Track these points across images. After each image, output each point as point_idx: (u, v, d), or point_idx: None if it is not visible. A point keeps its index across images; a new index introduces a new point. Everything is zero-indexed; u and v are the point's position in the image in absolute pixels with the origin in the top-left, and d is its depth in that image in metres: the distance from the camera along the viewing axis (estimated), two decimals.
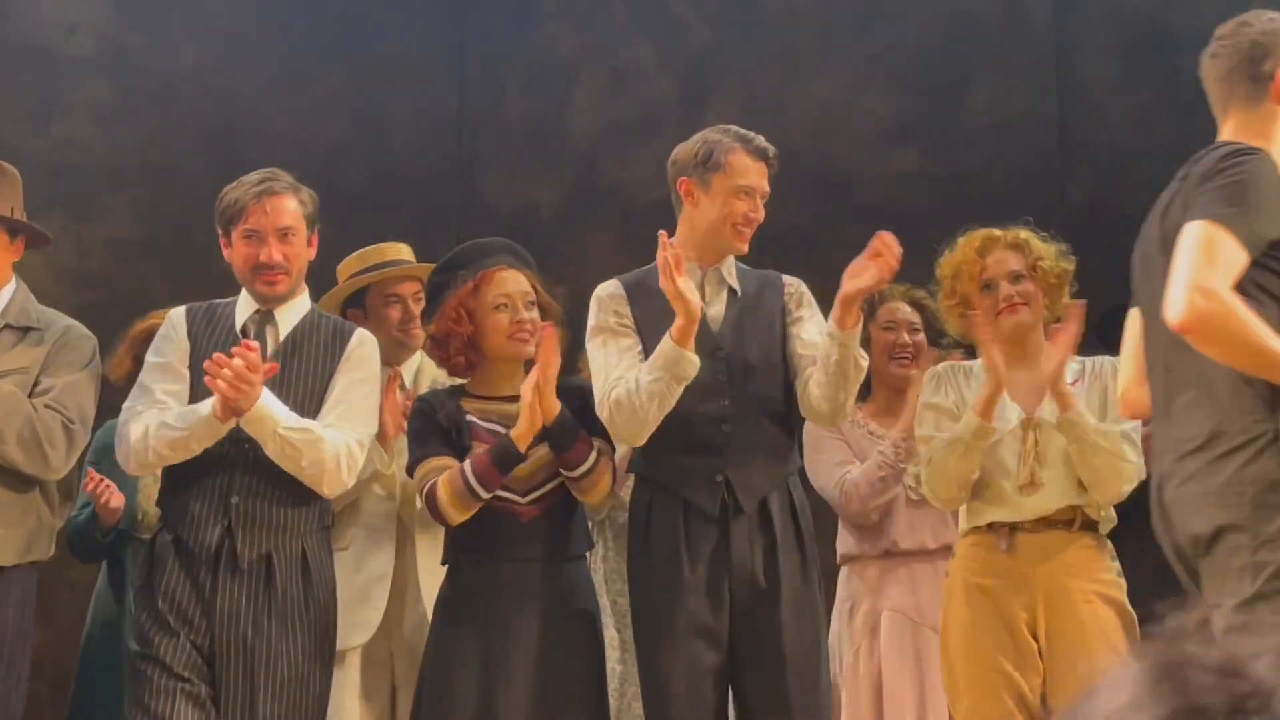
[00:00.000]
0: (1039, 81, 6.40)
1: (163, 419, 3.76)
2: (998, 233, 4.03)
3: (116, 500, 4.46)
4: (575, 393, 3.84)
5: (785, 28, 6.50)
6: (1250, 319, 2.77)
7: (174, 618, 3.72)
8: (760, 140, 3.91)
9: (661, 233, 3.76)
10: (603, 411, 3.77)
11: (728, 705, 3.83)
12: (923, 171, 6.34)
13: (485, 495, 3.71)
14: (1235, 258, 2.82)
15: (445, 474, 3.73)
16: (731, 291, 3.94)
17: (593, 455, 3.77)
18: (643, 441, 3.80)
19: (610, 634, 4.32)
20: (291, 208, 3.90)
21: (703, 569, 3.76)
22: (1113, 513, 3.97)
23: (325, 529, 3.93)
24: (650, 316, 3.87)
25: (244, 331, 3.89)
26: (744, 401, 3.82)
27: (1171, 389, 3.02)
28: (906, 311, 4.61)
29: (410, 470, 3.88)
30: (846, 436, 4.55)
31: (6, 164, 4.17)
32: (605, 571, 4.63)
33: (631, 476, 4.04)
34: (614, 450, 3.90)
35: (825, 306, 4.11)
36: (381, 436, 4.17)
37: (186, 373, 3.84)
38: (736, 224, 3.87)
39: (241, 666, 3.70)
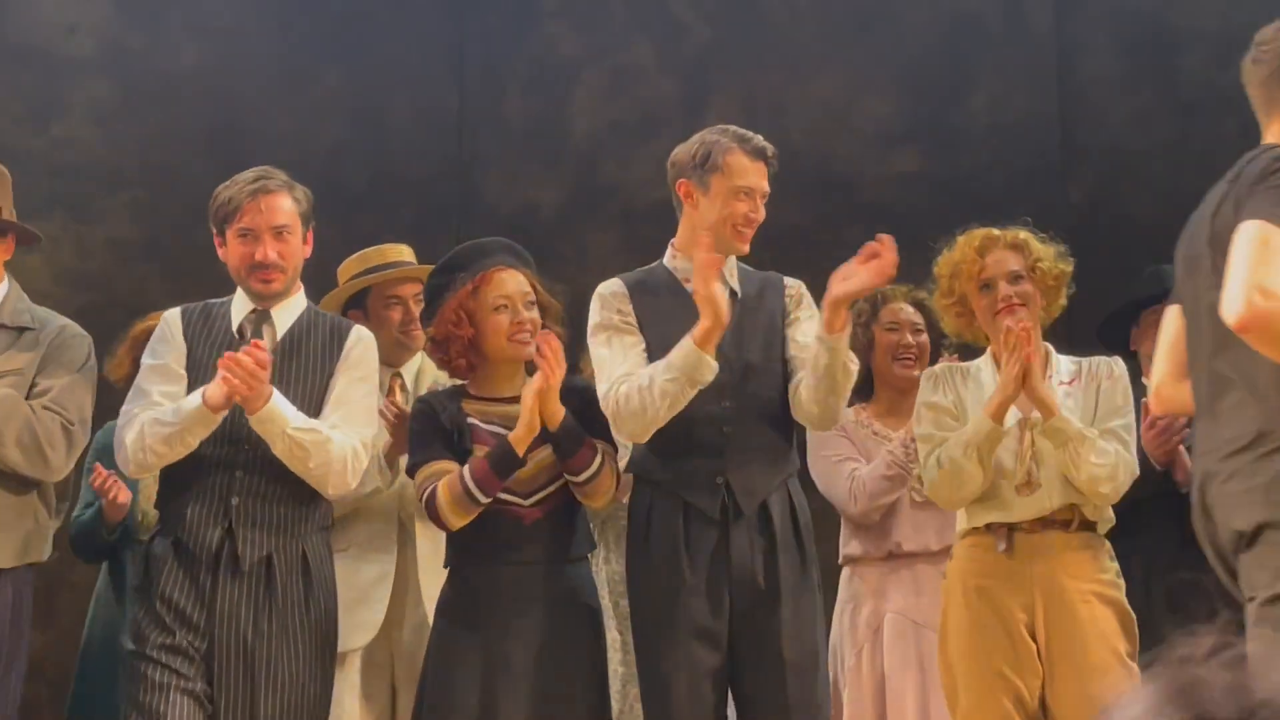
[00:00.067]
0: (1039, 82, 6.39)
1: (154, 416, 3.74)
2: (997, 232, 4.03)
3: (124, 496, 4.45)
4: (577, 393, 3.83)
5: (786, 28, 6.49)
6: None
7: (172, 617, 3.71)
8: (759, 140, 3.90)
9: (703, 234, 3.73)
10: (608, 406, 3.76)
11: (727, 706, 3.83)
12: (923, 172, 6.34)
13: (484, 500, 3.70)
14: None
15: (444, 479, 3.72)
16: (733, 293, 3.94)
17: (597, 459, 3.77)
18: (646, 439, 3.80)
19: (612, 636, 4.32)
20: (286, 206, 3.88)
21: (702, 570, 3.76)
22: (1110, 513, 3.97)
23: (325, 530, 3.92)
24: (652, 315, 3.87)
25: (241, 331, 3.87)
26: (745, 403, 3.81)
27: (1217, 388, 3.02)
28: (909, 312, 4.61)
29: (411, 473, 3.87)
30: (851, 436, 4.55)
31: None
32: (607, 573, 4.63)
33: (631, 479, 4.03)
34: (617, 451, 3.89)
35: None
36: (389, 455, 4.16)
37: (184, 374, 3.83)
38: (736, 224, 3.86)
39: (242, 668, 3.69)
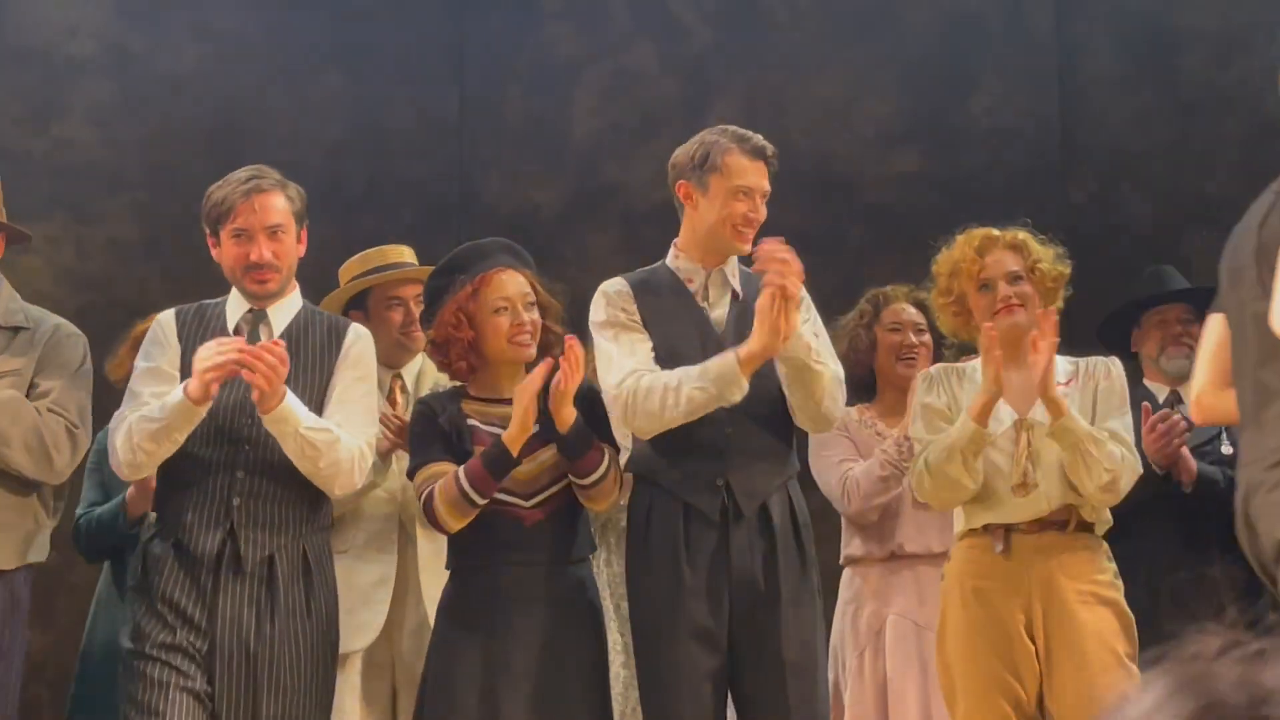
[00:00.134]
0: (1040, 83, 6.39)
1: (141, 414, 3.72)
2: (996, 233, 4.03)
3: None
4: (580, 394, 3.81)
5: (786, 29, 6.49)
6: None
7: (173, 616, 3.70)
8: (757, 139, 3.89)
9: (776, 261, 3.67)
10: (619, 398, 3.75)
11: (726, 708, 3.83)
12: (924, 173, 6.34)
13: (480, 501, 3.70)
14: None
15: (440, 481, 3.72)
16: (734, 293, 3.94)
17: (605, 463, 3.76)
18: (649, 437, 3.79)
19: (614, 637, 4.32)
20: (280, 205, 3.86)
21: (702, 572, 3.76)
22: (1108, 514, 3.96)
23: (326, 530, 3.92)
24: (655, 316, 3.87)
25: (237, 331, 3.85)
26: (746, 405, 3.81)
27: (1263, 398, 3.02)
28: (912, 313, 4.62)
29: (410, 475, 3.86)
30: (854, 435, 4.55)
31: None
32: (609, 575, 4.62)
33: (631, 479, 4.03)
34: (619, 452, 3.89)
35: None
36: (383, 455, 4.15)
37: (177, 375, 3.80)
38: (736, 225, 3.85)
39: (244, 670, 3.68)
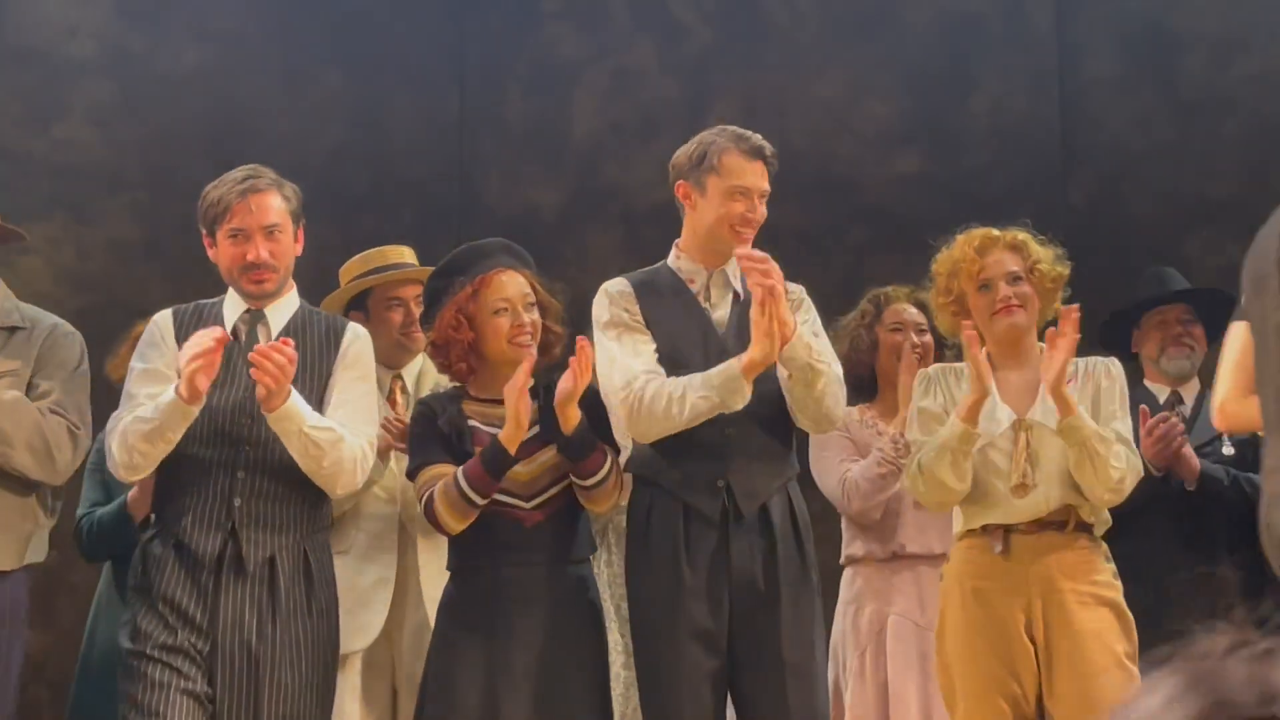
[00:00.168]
0: (1040, 84, 6.39)
1: (134, 415, 3.70)
2: (996, 233, 4.03)
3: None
4: (581, 395, 3.81)
5: (787, 30, 6.49)
6: None
7: (174, 617, 3.68)
8: (755, 139, 3.88)
9: (769, 277, 3.67)
10: (627, 401, 3.75)
11: (726, 709, 3.83)
12: (924, 173, 6.34)
13: (480, 501, 3.70)
14: None
15: (440, 483, 3.72)
16: (736, 294, 3.93)
17: (607, 465, 3.76)
18: (653, 440, 3.79)
19: (615, 638, 4.32)
20: (276, 204, 3.84)
21: (702, 572, 3.75)
22: (1107, 514, 3.96)
23: (326, 531, 3.91)
24: (656, 316, 3.87)
25: (235, 332, 3.84)
26: (746, 406, 3.81)
27: None
28: (913, 313, 4.62)
29: (411, 476, 3.86)
30: (854, 436, 4.55)
31: None
32: (609, 576, 4.62)
33: (631, 479, 4.02)
34: (619, 453, 3.89)
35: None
36: (380, 454, 4.15)
37: (174, 376, 3.76)
38: (734, 225, 3.85)
39: (246, 672, 3.67)
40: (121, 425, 3.72)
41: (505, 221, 5.95)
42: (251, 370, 3.60)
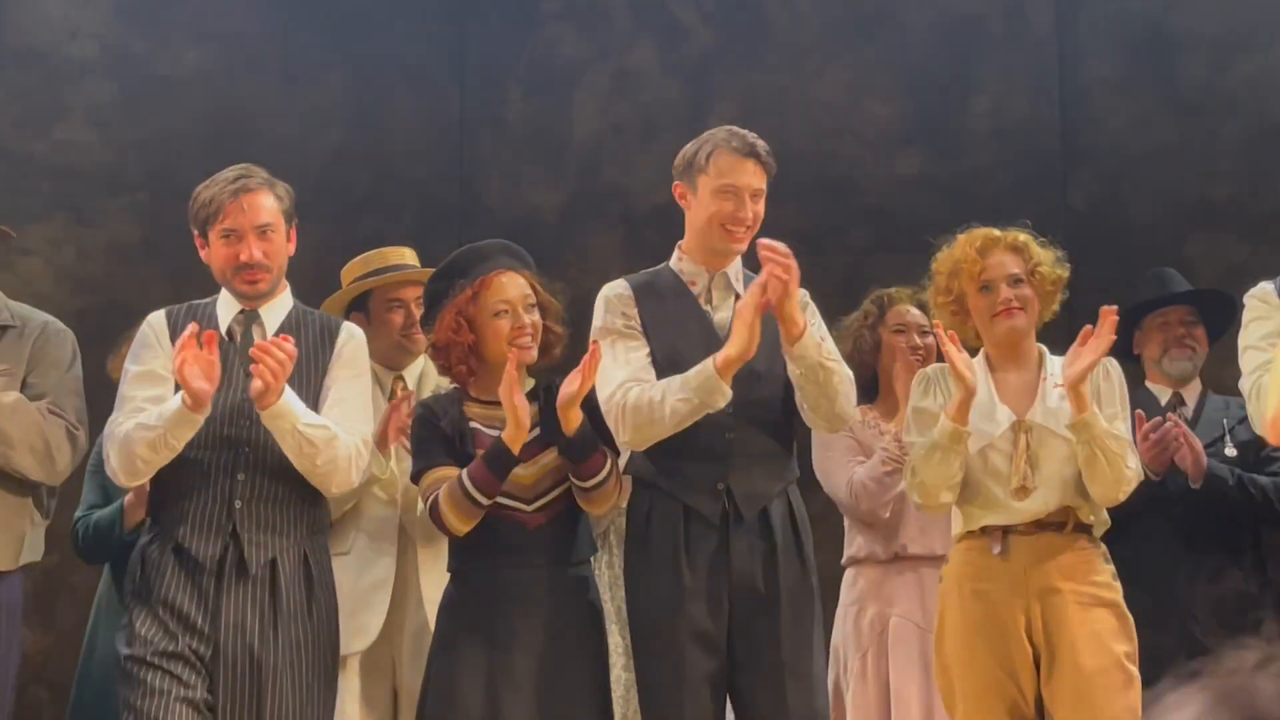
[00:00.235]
0: (1041, 85, 6.40)
1: (138, 421, 3.66)
2: (998, 233, 4.02)
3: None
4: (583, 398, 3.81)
5: (787, 31, 6.49)
6: None
7: (175, 623, 3.66)
8: (747, 137, 3.86)
9: (769, 267, 3.66)
10: (610, 411, 3.76)
11: (725, 711, 3.83)
12: (925, 175, 6.34)
13: (485, 502, 3.69)
14: None
15: (445, 485, 3.72)
16: (737, 296, 3.93)
17: (607, 467, 3.76)
18: (645, 448, 3.80)
19: (615, 640, 4.32)
20: (269, 204, 3.81)
21: (702, 575, 3.75)
22: (1106, 516, 3.96)
23: (324, 532, 3.90)
24: (657, 318, 3.86)
25: (230, 333, 3.82)
26: (747, 409, 3.80)
27: None
28: (915, 314, 4.62)
29: (414, 479, 3.86)
30: (858, 436, 4.55)
31: None
32: (610, 578, 4.63)
33: (630, 481, 4.02)
34: (618, 455, 3.89)
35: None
36: (379, 444, 4.15)
37: (169, 378, 3.74)
38: (724, 224, 3.84)
39: (248, 676, 3.64)
40: (123, 431, 3.68)
41: (506, 222, 5.96)
42: (252, 366, 3.58)
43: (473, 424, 3.82)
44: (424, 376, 4.41)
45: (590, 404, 3.80)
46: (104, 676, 4.46)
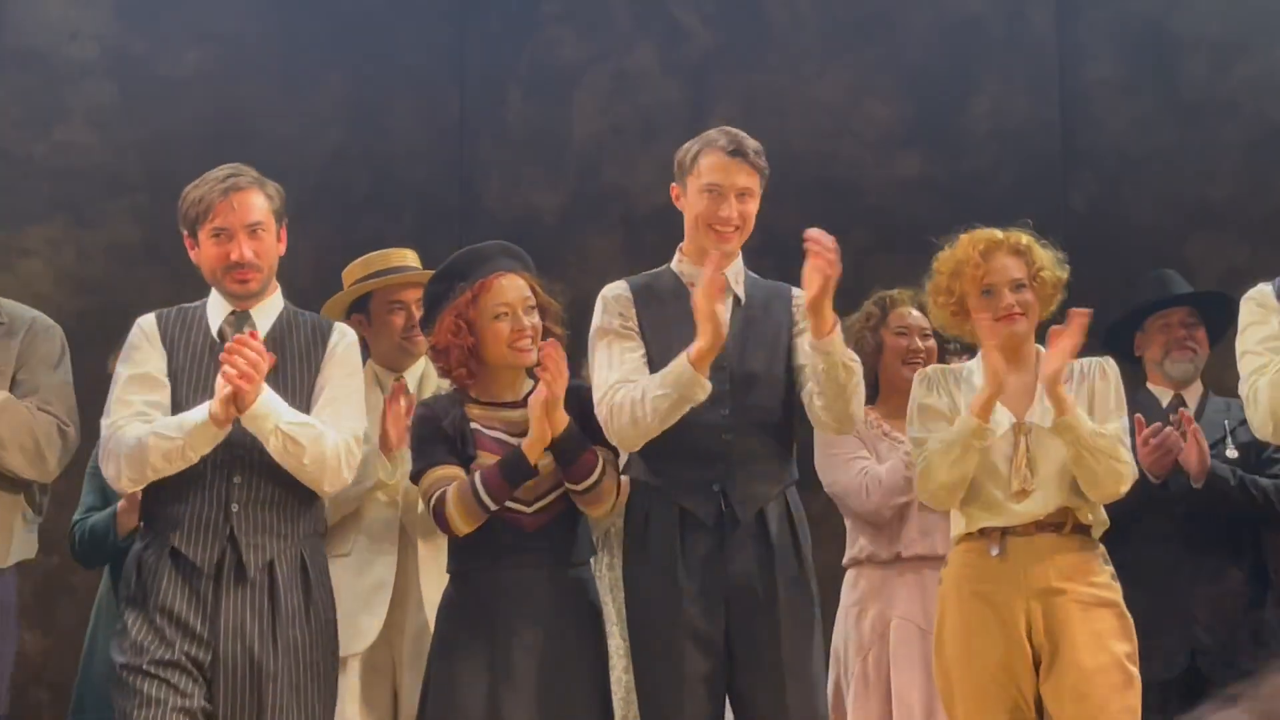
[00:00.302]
0: (1041, 87, 6.39)
1: (154, 430, 3.64)
2: (1000, 235, 4.02)
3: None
4: (576, 395, 3.81)
5: (788, 32, 6.49)
6: None
7: (172, 630, 3.63)
8: (734, 136, 3.87)
9: (714, 252, 3.72)
10: (601, 412, 3.77)
11: (724, 714, 3.83)
12: (925, 177, 6.34)
13: (494, 507, 3.69)
14: None
15: (454, 485, 3.71)
16: (737, 300, 3.93)
17: (599, 468, 3.76)
18: (638, 448, 3.80)
19: (616, 643, 4.32)
20: (259, 203, 3.80)
21: (698, 576, 3.75)
22: (1104, 516, 3.96)
23: (320, 534, 3.89)
24: (656, 321, 3.86)
25: (221, 335, 3.79)
26: (745, 412, 3.81)
27: None
28: (917, 317, 4.62)
29: (414, 478, 3.85)
30: (862, 436, 4.54)
31: None
32: (611, 580, 4.62)
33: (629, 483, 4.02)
34: (617, 457, 3.89)
35: None
36: (385, 447, 4.15)
37: (166, 382, 3.74)
38: (710, 224, 3.85)
39: (248, 679, 3.63)
40: (133, 437, 3.65)
41: (505, 224, 5.96)
42: (222, 370, 3.56)
43: (473, 425, 3.81)
44: (425, 378, 4.41)
45: (584, 408, 3.80)
46: (104, 678, 4.46)
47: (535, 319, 3.84)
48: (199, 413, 3.62)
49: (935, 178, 6.32)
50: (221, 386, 3.58)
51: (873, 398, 4.65)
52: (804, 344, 3.87)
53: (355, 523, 4.21)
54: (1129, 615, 3.86)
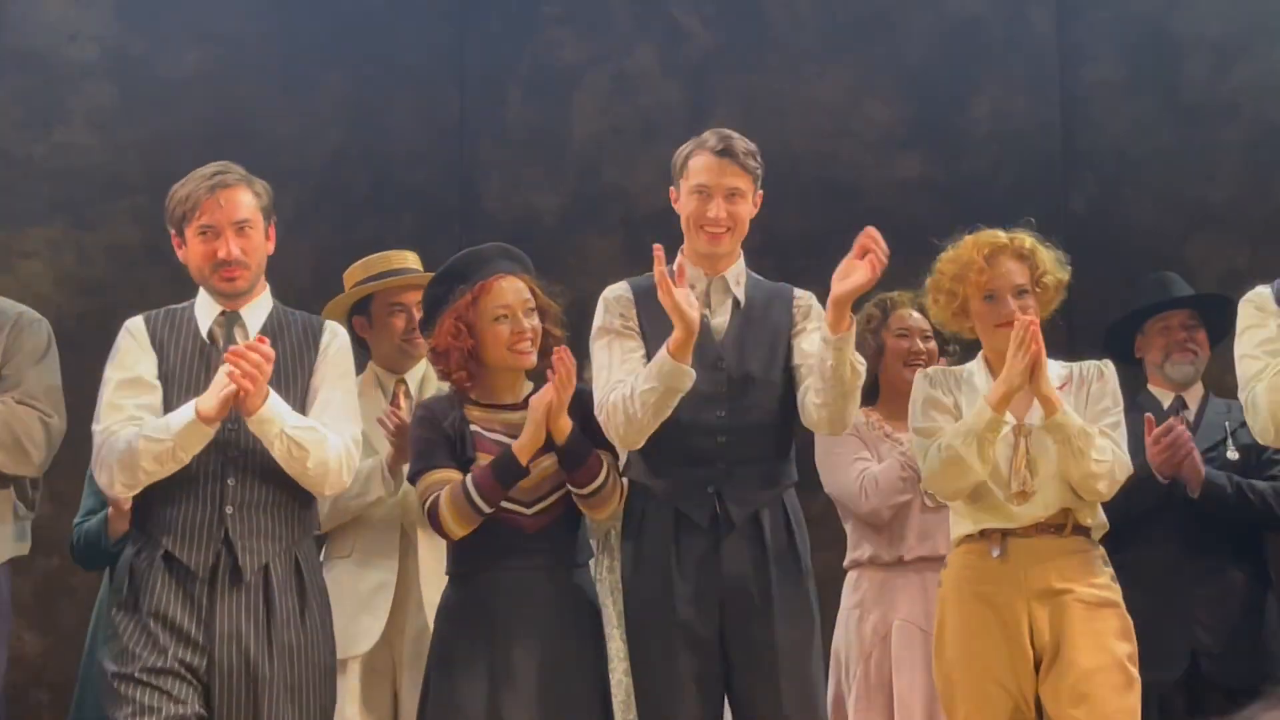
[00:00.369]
0: (1041, 88, 6.39)
1: (142, 433, 3.61)
2: (1005, 239, 4.01)
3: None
4: (578, 398, 3.81)
5: (788, 34, 6.49)
6: None
7: (166, 635, 3.60)
8: (723, 136, 3.87)
9: (657, 246, 3.75)
10: (600, 413, 3.78)
11: (722, 715, 3.83)
12: (925, 178, 6.33)
13: (487, 510, 3.69)
14: None
15: (447, 488, 3.71)
16: (736, 302, 3.93)
17: (604, 473, 3.76)
18: (639, 445, 3.79)
19: (616, 645, 4.32)
20: (247, 200, 3.77)
21: (693, 579, 3.76)
22: (1104, 518, 3.96)
23: (313, 537, 3.88)
24: (657, 323, 3.86)
25: (211, 337, 3.78)
26: (741, 414, 3.81)
27: None
28: (918, 319, 4.62)
29: (413, 480, 3.85)
30: (863, 437, 4.55)
31: None
32: (611, 582, 4.62)
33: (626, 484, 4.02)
34: (618, 459, 3.89)
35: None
36: (391, 467, 4.13)
37: (157, 385, 3.72)
38: (700, 225, 3.87)
39: (245, 684, 3.61)
40: (124, 441, 3.63)
41: (505, 225, 5.96)
42: (227, 373, 3.54)
43: (473, 427, 3.81)
44: (425, 380, 4.41)
45: (588, 411, 3.81)
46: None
47: (535, 321, 3.84)
48: (185, 412, 3.60)
49: (935, 179, 6.31)
50: (223, 386, 3.56)
51: (873, 399, 4.65)
52: (803, 343, 3.87)
53: (356, 525, 4.21)
54: (1129, 616, 3.86)
